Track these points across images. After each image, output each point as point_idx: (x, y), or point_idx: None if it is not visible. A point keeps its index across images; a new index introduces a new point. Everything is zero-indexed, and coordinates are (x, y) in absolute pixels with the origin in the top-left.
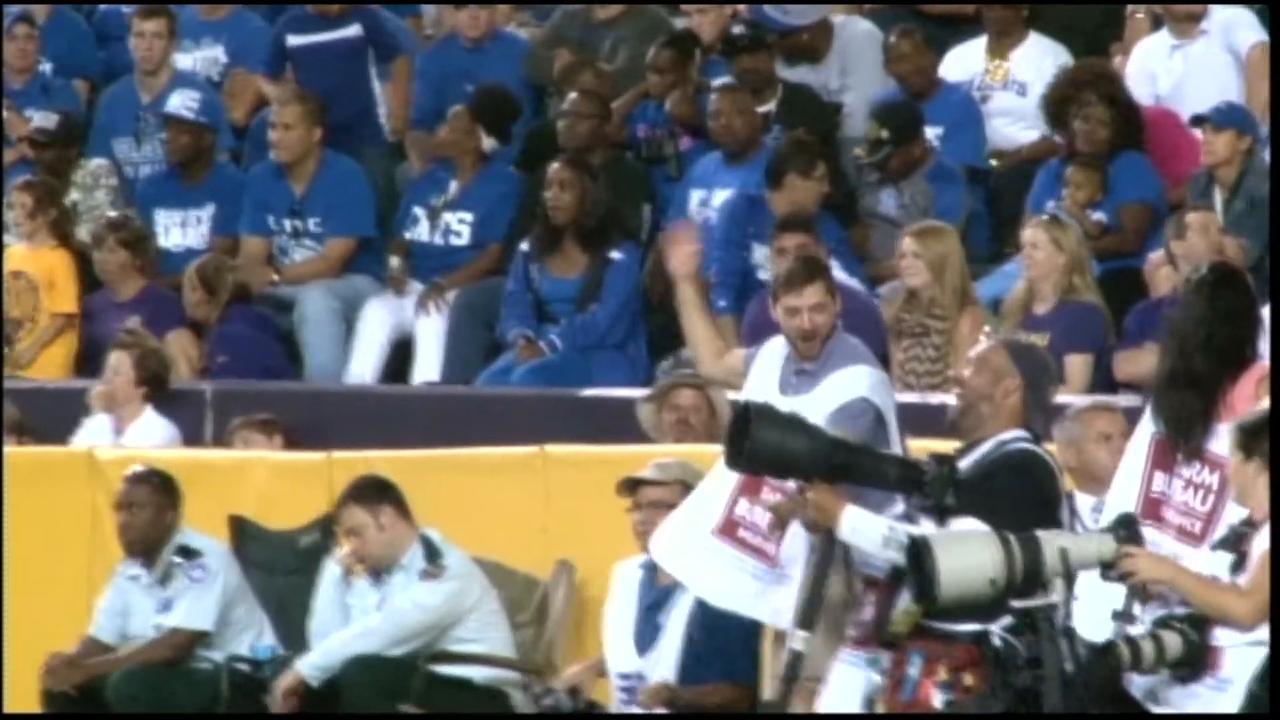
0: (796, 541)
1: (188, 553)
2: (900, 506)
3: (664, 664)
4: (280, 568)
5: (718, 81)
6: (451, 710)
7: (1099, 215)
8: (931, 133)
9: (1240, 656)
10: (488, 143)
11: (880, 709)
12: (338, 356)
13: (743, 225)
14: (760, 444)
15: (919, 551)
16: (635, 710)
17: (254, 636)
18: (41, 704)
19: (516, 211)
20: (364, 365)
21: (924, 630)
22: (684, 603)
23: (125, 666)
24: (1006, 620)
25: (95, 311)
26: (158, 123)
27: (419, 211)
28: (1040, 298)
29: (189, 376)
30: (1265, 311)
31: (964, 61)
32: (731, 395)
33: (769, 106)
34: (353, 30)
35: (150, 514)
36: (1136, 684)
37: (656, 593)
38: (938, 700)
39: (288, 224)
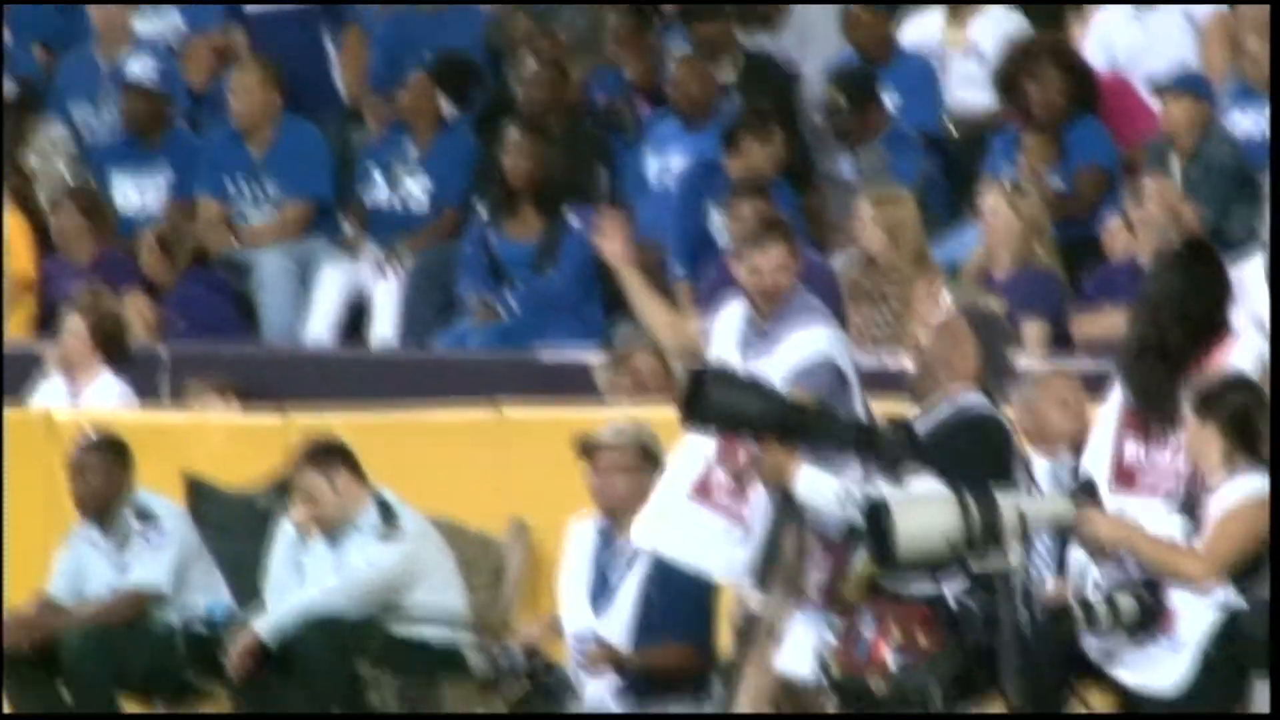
0: (764, 502)
1: (144, 515)
2: (858, 468)
3: (619, 623)
4: (236, 529)
5: (676, 49)
6: (406, 670)
7: (1055, 180)
8: (889, 99)
9: (1195, 618)
10: (447, 108)
11: (833, 667)
12: (294, 319)
13: (700, 191)
14: (713, 404)
15: (877, 512)
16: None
17: (210, 597)
18: None
19: (474, 176)
20: (320, 327)
21: (878, 590)
22: (640, 562)
23: (81, 627)
24: (961, 581)
25: (53, 275)
26: (116, 89)
27: (376, 175)
28: (998, 263)
29: (146, 339)
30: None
31: (922, 28)
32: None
33: (728, 74)
34: None
35: (102, 479)
36: (1092, 645)
37: (612, 552)
38: (891, 659)
39: (245, 187)
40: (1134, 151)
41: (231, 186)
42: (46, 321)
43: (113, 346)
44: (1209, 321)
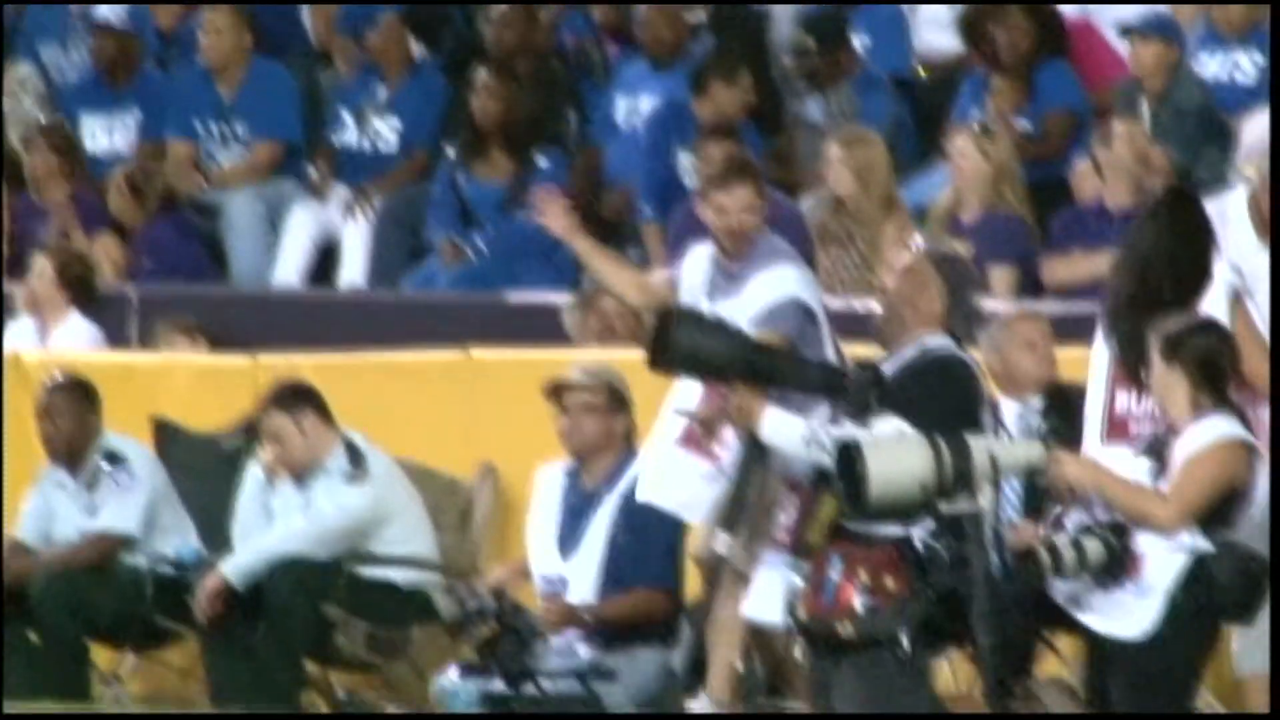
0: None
1: (113, 458)
2: (826, 410)
3: (587, 567)
4: (204, 471)
5: None
6: (374, 612)
7: (1022, 123)
8: (858, 40)
9: (1162, 562)
10: (416, 49)
11: (801, 612)
12: (263, 260)
13: (668, 133)
14: (678, 346)
15: (850, 455)
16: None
17: (178, 540)
18: None
19: (444, 118)
20: (289, 269)
21: (845, 533)
22: (607, 506)
23: (49, 570)
24: (928, 524)
25: (22, 216)
26: (85, 29)
27: (347, 116)
28: (966, 207)
29: (114, 280)
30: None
31: None
32: None
33: (698, 16)
34: None
35: (71, 421)
36: (1059, 590)
37: (580, 496)
38: (858, 603)
39: (215, 128)
40: (1103, 95)
41: (201, 128)
42: (16, 263)
43: (80, 288)
44: (1198, 271)
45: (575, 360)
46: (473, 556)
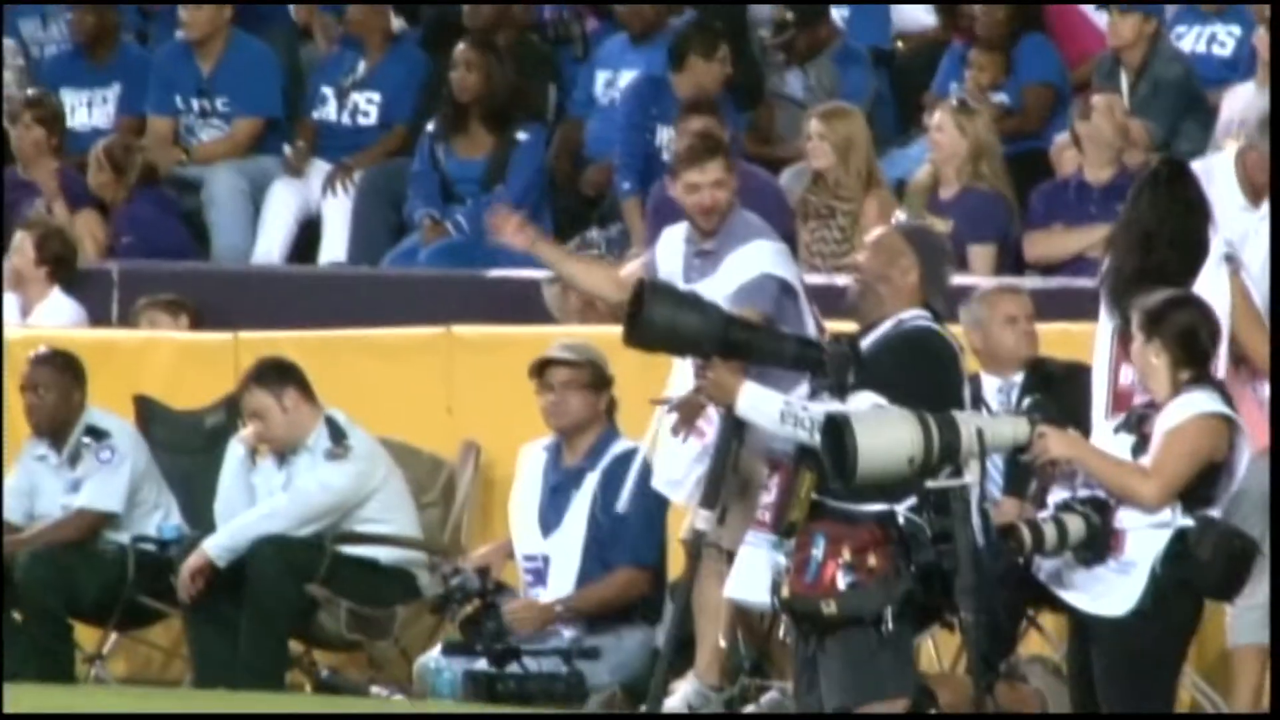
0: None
1: (96, 433)
2: (805, 386)
3: (569, 546)
4: (185, 448)
5: None
6: (357, 590)
7: (1001, 97)
8: (837, 14)
9: (1143, 539)
10: (396, 23)
11: (785, 590)
12: (245, 237)
13: (646, 107)
14: (653, 321)
15: (839, 429)
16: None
17: (161, 517)
18: None
19: (423, 92)
20: (270, 246)
21: (828, 511)
22: (589, 484)
23: (32, 548)
24: (911, 500)
25: (8, 190)
26: (65, 4)
27: (327, 91)
28: (945, 182)
29: (95, 257)
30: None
31: None
32: None
33: None
34: None
35: (56, 395)
36: (1043, 568)
37: (562, 474)
38: (842, 581)
39: (195, 103)
40: (1082, 68)
41: (181, 104)
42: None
43: (62, 265)
44: (1196, 239)
45: (555, 338)
46: (455, 534)
